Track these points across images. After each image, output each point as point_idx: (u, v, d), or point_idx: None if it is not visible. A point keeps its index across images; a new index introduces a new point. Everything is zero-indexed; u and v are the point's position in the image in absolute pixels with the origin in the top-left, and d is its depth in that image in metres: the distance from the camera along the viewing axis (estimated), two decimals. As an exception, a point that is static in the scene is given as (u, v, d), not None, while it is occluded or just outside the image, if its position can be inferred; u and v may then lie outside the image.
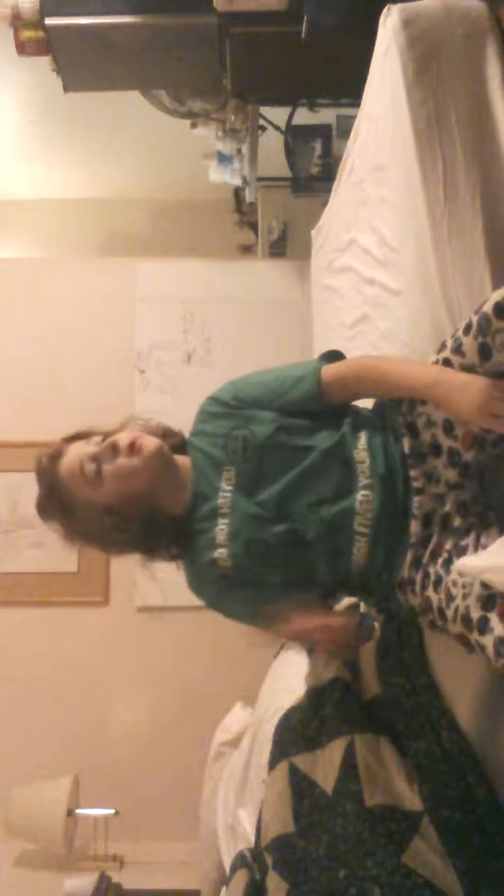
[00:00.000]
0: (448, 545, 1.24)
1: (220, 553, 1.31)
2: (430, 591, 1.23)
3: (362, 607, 1.52)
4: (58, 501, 1.34)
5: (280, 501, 1.31)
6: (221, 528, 1.32)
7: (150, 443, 1.32)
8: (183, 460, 1.39)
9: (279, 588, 1.32)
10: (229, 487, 1.34)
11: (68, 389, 3.45)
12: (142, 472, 1.31)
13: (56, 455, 1.35)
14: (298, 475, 1.31)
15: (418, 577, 1.26)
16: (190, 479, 1.38)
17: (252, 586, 1.32)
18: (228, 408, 1.39)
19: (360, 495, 1.29)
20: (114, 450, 1.31)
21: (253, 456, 1.33)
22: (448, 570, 1.20)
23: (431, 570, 1.24)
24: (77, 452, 1.33)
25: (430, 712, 1.32)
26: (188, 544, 1.37)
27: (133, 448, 1.30)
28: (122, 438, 1.32)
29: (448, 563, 1.21)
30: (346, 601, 1.64)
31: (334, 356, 1.43)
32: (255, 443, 1.33)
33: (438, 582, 1.21)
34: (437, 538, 1.27)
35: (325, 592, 1.39)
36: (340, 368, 1.38)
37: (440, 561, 1.23)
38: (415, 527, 1.28)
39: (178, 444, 1.43)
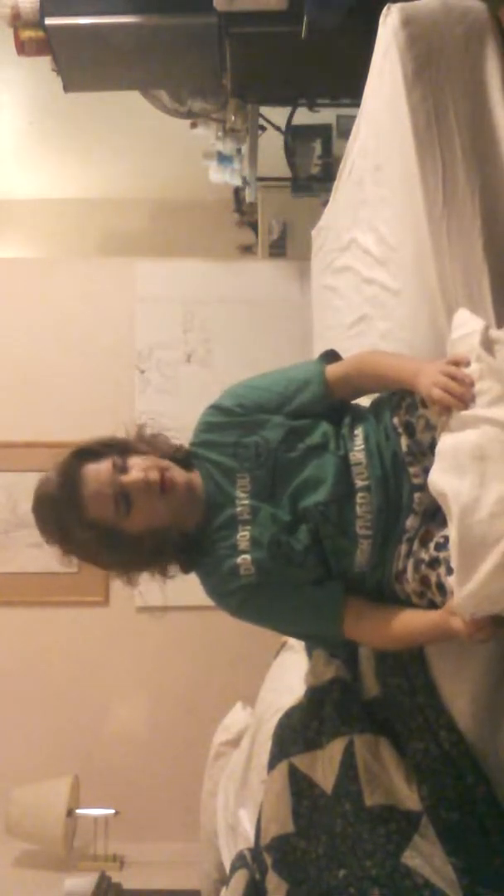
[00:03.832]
0: (439, 532, 1.25)
1: (244, 559, 1.30)
2: (425, 570, 1.24)
3: None
4: (70, 523, 1.29)
5: (293, 502, 1.31)
6: (243, 534, 1.31)
7: (180, 478, 1.31)
8: (195, 476, 1.37)
9: (304, 588, 1.32)
10: (245, 495, 1.33)
11: (68, 389, 3.46)
12: (173, 510, 1.31)
13: (70, 477, 1.29)
14: (308, 476, 1.32)
15: (410, 564, 1.27)
16: (202, 492, 1.36)
17: (275, 590, 1.32)
18: (233, 416, 1.38)
19: (359, 497, 1.29)
20: (147, 486, 1.27)
21: (267, 462, 1.32)
22: (443, 549, 1.21)
23: (424, 555, 1.25)
24: (101, 477, 1.28)
25: (429, 712, 1.32)
26: (204, 555, 1.36)
27: (165, 487, 1.28)
28: (153, 475, 1.28)
29: (441, 546, 1.22)
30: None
31: (332, 356, 1.45)
32: (268, 448, 1.33)
33: (435, 561, 1.22)
34: (427, 526, 1.28)
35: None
36: (343, 366, 1.41)
37: (432, 545, 1.24)
38: (413, 522, 1.28)
39: (185, 458, 1.41)
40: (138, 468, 1.29)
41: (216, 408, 1.41)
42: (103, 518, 1.27)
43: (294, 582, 1.31)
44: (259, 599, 1.32)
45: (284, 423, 1.35)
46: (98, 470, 1.29)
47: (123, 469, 1.29)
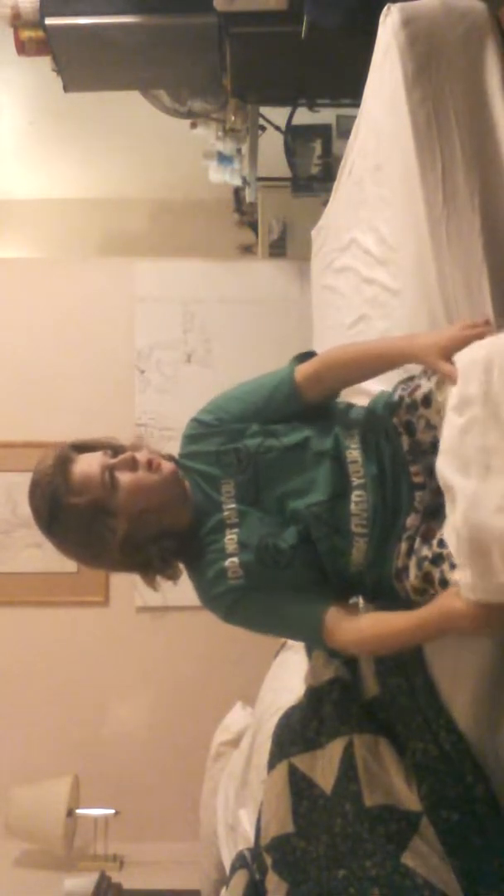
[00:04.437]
0: (441, 529, 1.25)
1: (231, 562, 1.31)
2: (428, 567, 1.23)
3: (360, 602, 1.52)
4: (63, 500, 1.29)
5: (282, 505, 1.32)
6: (230, 538, 1.33)
7: (167, 465, 1.34)
8: (185, 481, 1.40)
9: (291, 593, 1.33)
10: (230, 500, 1.36)
11: (68, 389, 3.46)
12: (158, 488, 1.32)
13: (63, 459, 1.32)
14: (296, 478, 1.33)
15: (412, 562, 1.27)
16: (192, 498, 1.39)
17: (263, 595, 1.32)
18: (212, 427, 1.41)
19: (355, 496, 1.30)
20: (132, 463, 1.31)
21: (248, 467, 1.35)
22: (446, 546, 1.21)
23: (427, 552, 1.24)
24: (92, 460, 1.32)
25: (429, 712, 1.32)
26: (195, 560, 1.38)
27: (152, 465, 1.31)
28: (141, 455, 1.32)
29: (444, 543, 1.22)
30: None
31: (308, 356, 1.46)
32: (248, 453, 1.35)
33: (438, 558, 1.22)
34: (428, 525, 1.28)
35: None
36: (313, 364, 1.41)
37: (435, 542, 1.24)
38: (414, 520, 1.28)
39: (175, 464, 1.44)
40: (129, 454, 1.33)
41: (196, 421, 1.45)
42: (91, 494, 1.28)
43: (283, 586, 1.32)
44: (248, 602, 1.33)
45: (261, 428, 1.38)
46: (90, 455, 1.33)
47: (114, 457, 1.33)
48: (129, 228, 4.05)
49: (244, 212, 3.78)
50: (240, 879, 1.57)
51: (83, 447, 1.36)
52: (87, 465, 1.31)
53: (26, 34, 2.49)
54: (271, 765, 1.57)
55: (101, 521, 1.29)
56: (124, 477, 1.30)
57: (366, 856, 1.22)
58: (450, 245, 1.53)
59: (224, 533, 1.34)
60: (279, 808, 1.46)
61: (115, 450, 1.36)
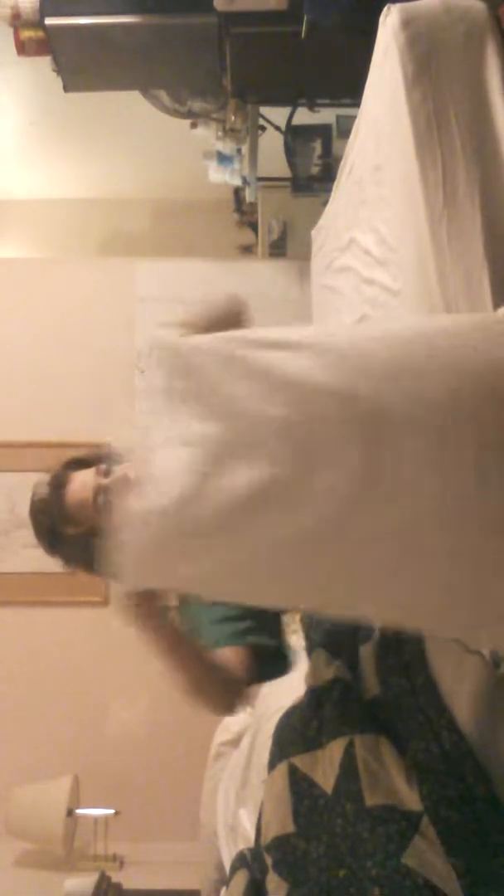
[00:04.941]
0: None
1: None
2: None
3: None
4: (61, 530, 1.34)
5: None
6: None
7: None
8: None
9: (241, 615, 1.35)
10: None
11: (68, 389, 3.46)
12: None
13: (58, 483, 1.34)
14: None
15: None
16: None
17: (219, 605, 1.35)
18: None
19: None
20: (126, 482, 1.30)
21: None
22: None
23: None
24: (85, 480, 1.32)
25: (430, 712, 1.32)
26: None
27: None
28: (132, 472, 1.31)
29: None
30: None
31: None
32: None
33: None
34: None
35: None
36: None
37: None
38: None
39: None
40: (121, 469, 1.33)
41: None
42: (86, 519, 1.31)
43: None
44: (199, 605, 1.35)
45: None
46: (84, 474, 1.34)
47: (108, 473, 1.33)
48: (130, 228, 4.06)
49: (244, 212, 3.79)
50: (240, 879, 1.56)
51: (78, 463, 1.37)
52: (81, 487, 1.31)
53: (26, 34, 2.49)
54: (272, 765, 1.57)
55: (98, 545, 1.31)
56: (118, 500, 1.29)
57: (366, 856, 1.22)
58: (450, 245, 1.52)
59: None
60: (279, 808, 1.45)
61: (112, 460, 1.36)
